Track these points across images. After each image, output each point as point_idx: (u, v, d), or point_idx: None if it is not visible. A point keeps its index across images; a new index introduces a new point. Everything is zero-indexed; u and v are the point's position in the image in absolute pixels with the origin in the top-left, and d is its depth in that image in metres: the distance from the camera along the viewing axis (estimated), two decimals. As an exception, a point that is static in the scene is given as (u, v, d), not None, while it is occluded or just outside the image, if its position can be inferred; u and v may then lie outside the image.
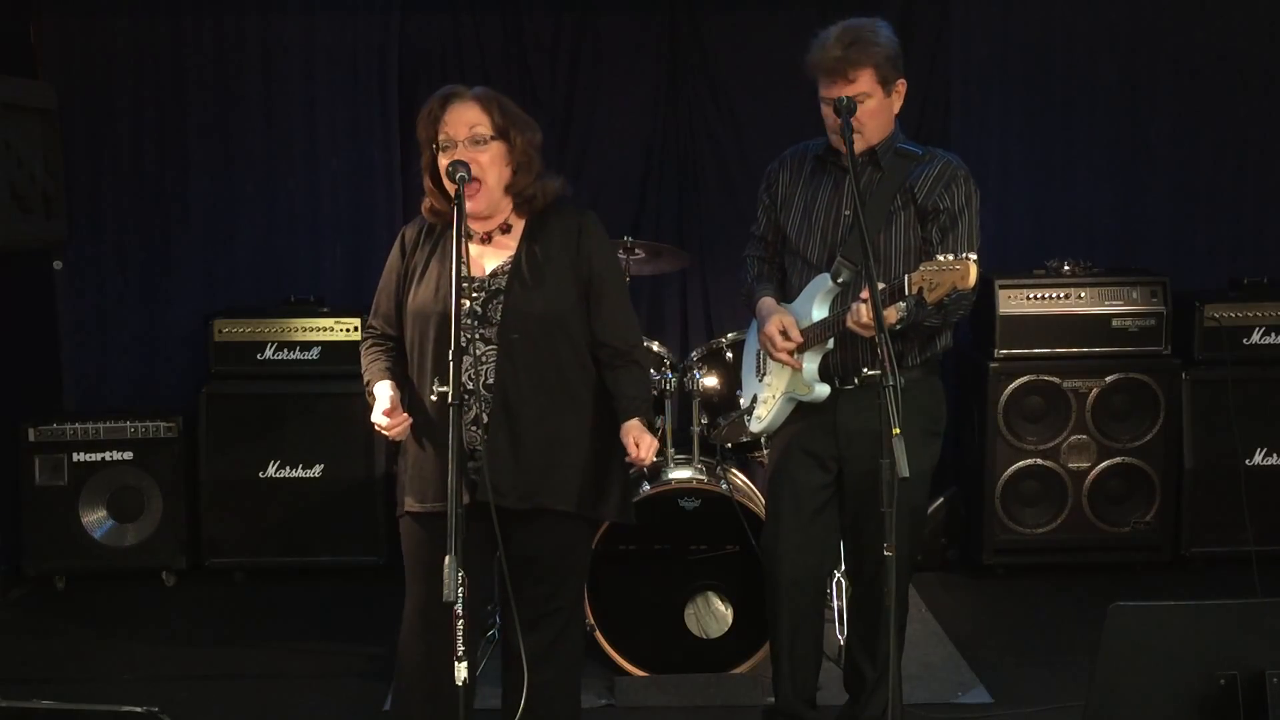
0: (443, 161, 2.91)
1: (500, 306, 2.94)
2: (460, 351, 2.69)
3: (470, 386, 2.90)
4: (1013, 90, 5.44)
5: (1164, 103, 5.42)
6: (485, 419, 2.89)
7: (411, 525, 3.03)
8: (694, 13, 5.42)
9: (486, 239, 3.00)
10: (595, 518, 3.11)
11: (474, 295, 2.90)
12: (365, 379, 3.04)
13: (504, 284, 2.96)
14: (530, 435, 2.93)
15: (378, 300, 3.12)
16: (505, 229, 3.02)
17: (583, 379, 3.03)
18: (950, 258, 2.88)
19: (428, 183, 3.00)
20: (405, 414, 2.91)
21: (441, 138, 2.92)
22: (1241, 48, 5.37)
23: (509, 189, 2.98)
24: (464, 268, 2.73)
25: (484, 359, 2.91)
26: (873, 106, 3.20)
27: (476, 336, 2.91)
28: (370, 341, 3.12)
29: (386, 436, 2.92)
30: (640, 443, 2.94)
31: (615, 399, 3.04)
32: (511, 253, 3.00)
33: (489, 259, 2.99)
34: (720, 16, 5.42)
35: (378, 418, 2.89)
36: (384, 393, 2.93)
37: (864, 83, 3.16)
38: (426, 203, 3.03)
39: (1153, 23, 5.38)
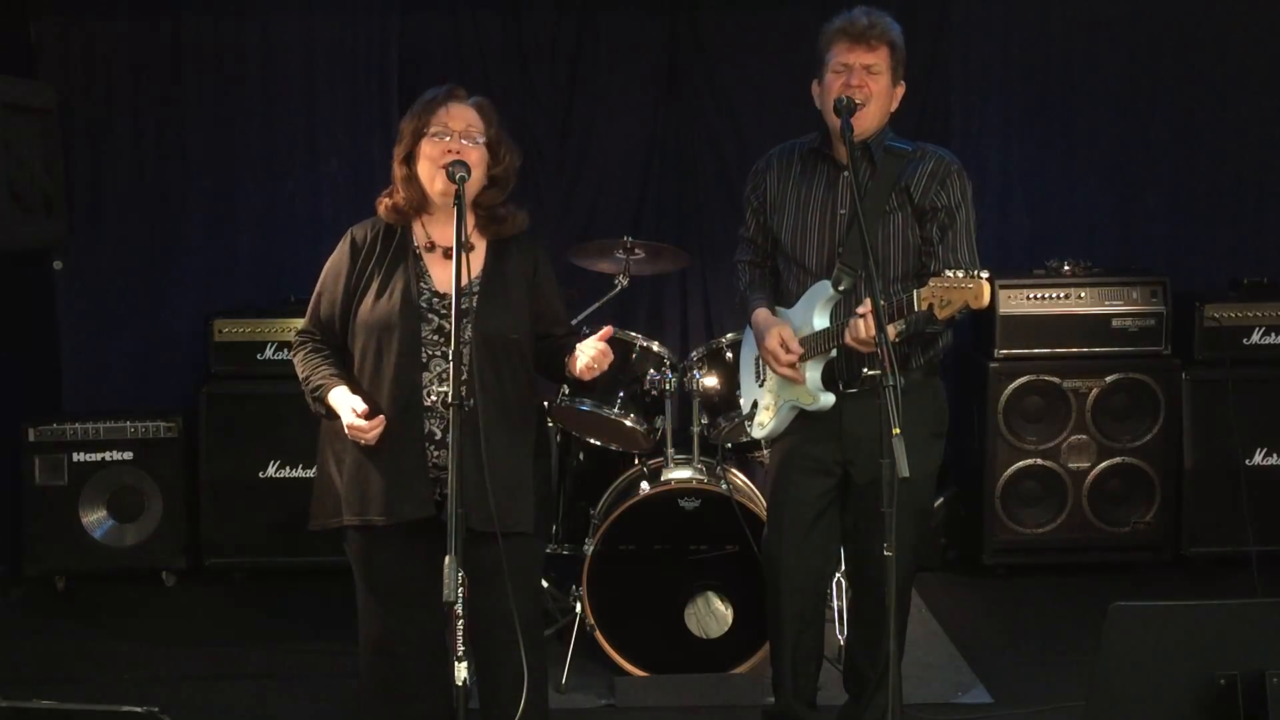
0: (429, 149, 2.90)
1: (469, 325, 2.91)
2: (459, 351, 2.70)
3: (429, 402, 2.88)
4: (1013, 90, 5.44)
5: (1164, 103, 5.42)
6: (439, 434, 2.87)
7: (357, 539, 2.97)
8: (694, 13, 5.42)
9: (449, 255, 2.93)
10: (545, 535, 3.11)
11: (443, 311, 2.90)
12: (312, 385, 2.96)
13: (474, 303, 2.94)
14: (496, 457, 2.87)
15: (318, 302, 3.03)
16: (469, 248, 2.98)
17: (530, 400, 3.05)
18: (961, 274, 2.84)
19: (400, 170, 2.96)
20: (380, 416, 2.85)
21: (437, 126, 2.91)
22: (1241, 47, 5.37)
23: (477, 200, 2.97)
24: (463, 262, 2.73)
25: (445, 376, 2.83)
26: (882, 85, 3.21)
27: (438, 354, 2.90)
28: (310, 346, 3.04)
29: (360, 439, 2.85)
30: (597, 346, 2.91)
31: (564, 356, 3.02)
32: (475, 271, 2.98)
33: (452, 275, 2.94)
34: (720, 16, 5.43)
35: (353, 419, 2.82)
36: (348, 397, 2.87)
37: (882, 56, 3.20)
38: (386, 202, 2.99)
39: (1153, 22, 5.38)
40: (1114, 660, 2.55)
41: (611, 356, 2.94)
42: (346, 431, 2.87)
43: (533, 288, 3.04)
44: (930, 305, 2.88)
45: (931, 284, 2.87)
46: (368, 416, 2.85)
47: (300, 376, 3.02)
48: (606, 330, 2.97)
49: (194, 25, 5.34)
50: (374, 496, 2.90)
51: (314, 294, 3.06)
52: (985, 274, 2.83)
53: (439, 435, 2.88)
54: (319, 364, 2.99)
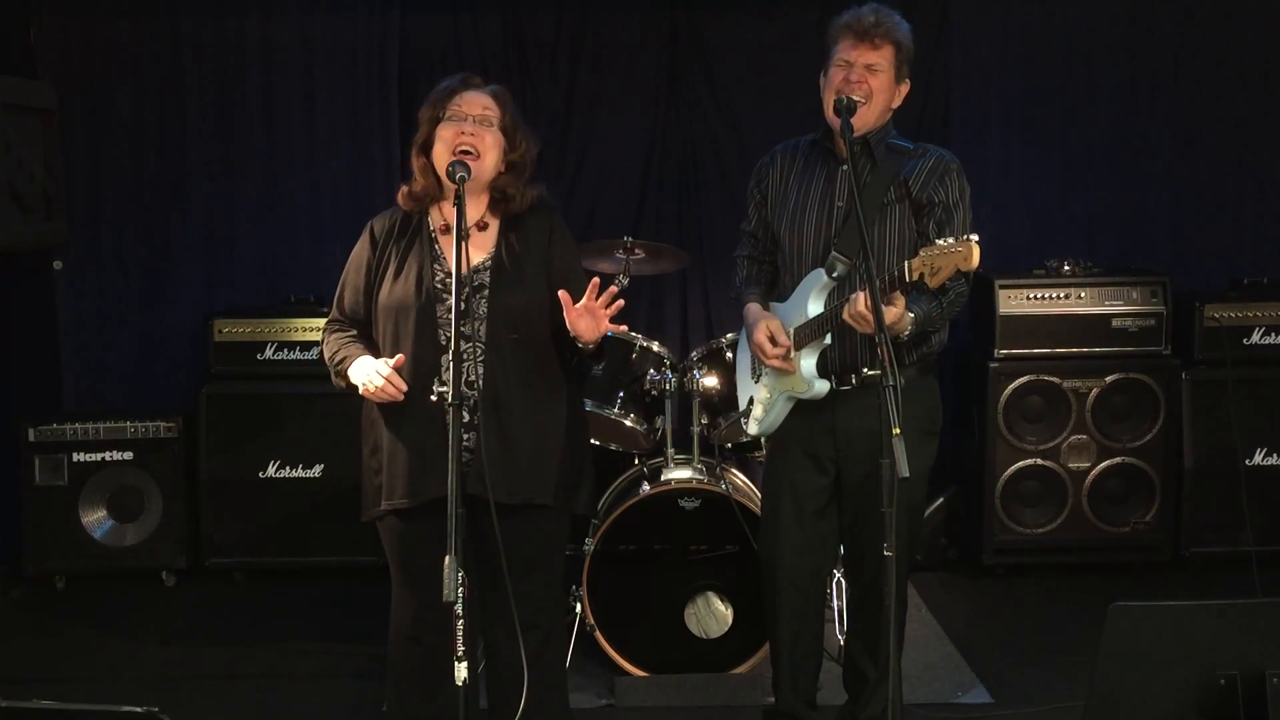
0: (444, 131, 2.94)
1: (484, 301, 2.96)
2: (459, 353, 2.71)
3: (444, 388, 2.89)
4: (1013, 90, 5.44)
5: (1164, 103, 5.42)
6: (466, 416, 2.87)
7: (391, 524, 3.03)
8: (694, 13, 5.42)
9: (464, 236, 2.97)
10: (570, 511, 3.13)
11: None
12: (338, 359, 3.01)
13: (487, 279, 2.98)
14: (517, 431, 2.95)
15: (341, 293, 3.10)
16: (482, 227, 3.04)
17: (556, 372, 3.06)
18: (950, 240, 2.87)
19: (418, 159, 3.01)
20: (400, 355, 2.89)
21: (452, 110, 2.95)
22: (1241, 48, 5.37)
23: (493, 182, 3.01)
24: (462, 261, 2.74)
25: (466, 355, 2.91)
26: (883, 83, 3.22)
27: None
28: (336, 329, 3.09)
29: (378, 389, 2.86)
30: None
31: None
32: (489, 250, 3.03)
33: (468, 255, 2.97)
34: (720, 17, 5.42)
35: (381, 369, 2.84)
36: (369, 363, 2.90)
37: (885, 55, 3.21)
38: (404, 190, 3.04)
39: (1153, 23, 5.38)
40: (1114, 660, 2.55)
41: (597, 309, 2.86)
42: (371, 391, 2.87)
43: (548, 256, 3.06)
44: (921, 274, 2.89)
45: (922, 253, 2.90)
46: (387, 404, 2.92)
47: (327, 356, 3.07)
48: (593, 283, 2.88)
49: (194, 25, 5.34)
50: (399, 479, 2.96)
51: (338, 286, 3.12)
52: (974, 237, 2.84)
53: (466, 416, 2.88)
54: (346, 341, 3.04)
